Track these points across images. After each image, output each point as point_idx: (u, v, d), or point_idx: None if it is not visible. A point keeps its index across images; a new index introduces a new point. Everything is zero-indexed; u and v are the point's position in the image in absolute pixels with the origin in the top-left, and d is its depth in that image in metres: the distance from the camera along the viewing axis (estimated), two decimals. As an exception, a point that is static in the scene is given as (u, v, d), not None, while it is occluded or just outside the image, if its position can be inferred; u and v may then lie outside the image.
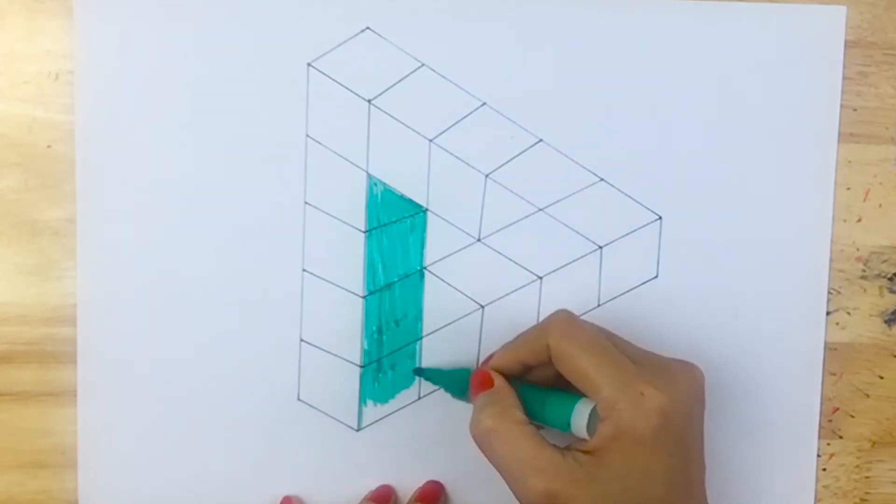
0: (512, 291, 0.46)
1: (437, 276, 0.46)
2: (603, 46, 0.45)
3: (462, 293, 0.46)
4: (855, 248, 0.47)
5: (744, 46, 0.45)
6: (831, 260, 0.46)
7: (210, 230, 0.45)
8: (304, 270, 0.45)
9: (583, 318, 0.46)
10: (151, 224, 0.45)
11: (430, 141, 0.45)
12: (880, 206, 0.47)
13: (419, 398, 0.46)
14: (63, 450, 0.46)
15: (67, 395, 0.45)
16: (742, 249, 0.46)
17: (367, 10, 0.45)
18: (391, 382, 0.46)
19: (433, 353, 0.46)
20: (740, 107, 0.46)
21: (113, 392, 0.45)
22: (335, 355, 0.46)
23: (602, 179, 0.46)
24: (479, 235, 0.46)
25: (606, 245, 0.46)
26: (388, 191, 0.45)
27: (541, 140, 0.46)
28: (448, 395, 0.45)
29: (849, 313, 0.47)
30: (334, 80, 0.45)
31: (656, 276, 0.46)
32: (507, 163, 0.46)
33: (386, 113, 0.45)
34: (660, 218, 0.46)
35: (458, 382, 0.44)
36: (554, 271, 0.46)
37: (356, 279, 0.46)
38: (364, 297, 0.46)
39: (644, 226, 0.46)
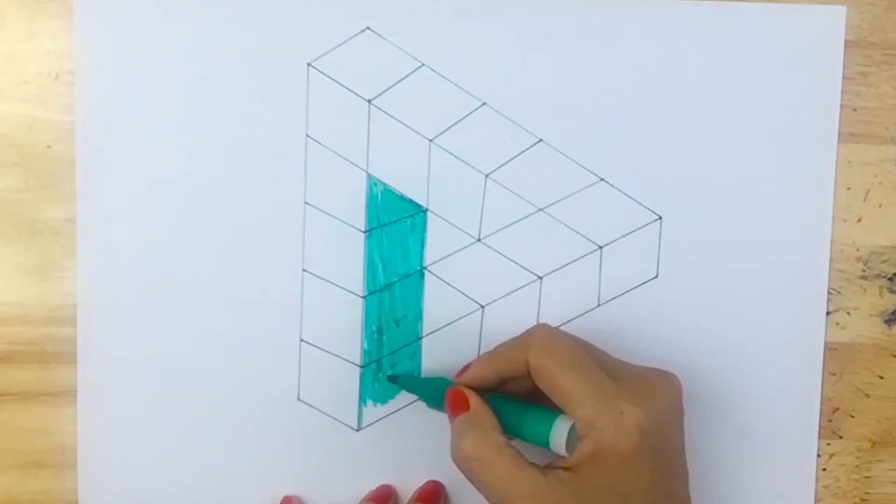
0: (512, 291, 0.46)
1: (437, 276, 0.46)
2: (603, 46, 0.45)
3: (462, 293, 0.46)
4: (855, 248, 0.47)
5: (744, 46, 0.45)
6: (831, 260, 0.46)
7: (210, 230, 0.45)
8: (304, 270, 0.45)
9: (580, 319, 0.46)
10: (151, 224, 0.45)
11: (430, 141, 0.45)
12: (880, 206, 0.47)
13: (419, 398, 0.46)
14: (63, 450, 0.46)
15: (67, 395, 0.45)
16: (742, 249, 0.46)
17: (367, 10, 0.45)
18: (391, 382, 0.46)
19: (433, 353, 0.46)
20: (740, 107, 0.46)
21: (113, 392, 0.45)
22: (335, 355, 0.46)
23: (602, 179, 0.46)
24: (479, 235, 0.46)
25: (606, 245, 0.46)
26: (388, 191, 0.45)
27: (541, 140, 0.46)
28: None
29: (849, 313, 0.47)
30: (334, 80, 0.45)
31: (656, 276, 0.46)
32: (507, 163, 0.46)
33: (386, 113, 0.45)
34: (660, 218, 0.46)
35: (434, 392, 0.43)
36: (554, 271, 0.46)
37: (356, 279, 0.46)
38: (364, 297, 0.46)
39: (644, 226, 0.46)
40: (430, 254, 0.46)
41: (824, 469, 0.47)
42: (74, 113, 0.44)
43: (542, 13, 0.45)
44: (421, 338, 0.46)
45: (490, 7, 0.45)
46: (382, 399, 0.46)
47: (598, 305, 0.46)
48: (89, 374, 0.45)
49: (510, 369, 0.41)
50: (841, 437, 0.47)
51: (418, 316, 0.46)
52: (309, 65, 0.45)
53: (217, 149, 0.45)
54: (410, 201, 0.45)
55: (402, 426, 0.46)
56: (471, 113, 0.45)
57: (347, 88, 0.45)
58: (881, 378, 0.47)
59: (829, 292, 0.47)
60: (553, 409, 0.40)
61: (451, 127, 0.45)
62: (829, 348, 0.47)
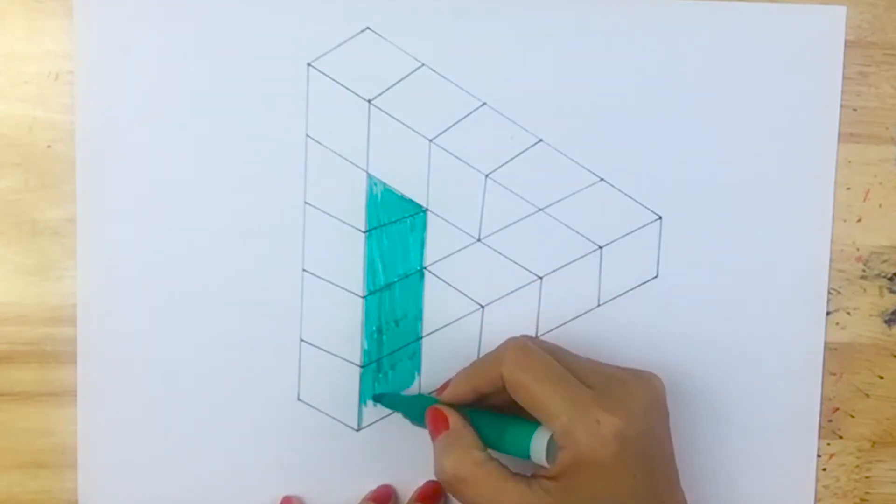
0: (512, 291, 0.46)
1: (437, 276, 0.46)
2: (603, 46, 0.45)
3: (462, 293, 0.46)
4: (855, 248, 0.47)
5: (744, 46, 0.45)
6: (831, 260, 0.46)
7: (210, 230, 0.45)
8: (304, 270, 0.45)
9: (580, 319, 0.46)
10: (151, 224, 0.45)
11: (430, 141, 0.45)
12: (880, 206, 0.47)
13: (419, 398, 0.46)
14: (63, 450, 0.46)
15: (67, 395, 0.45)
16: (742, 249, 0.46)
17: (367, 10, 0.45)
18: (391, 382, 0.46)
19: (433, 353, 0.46)
20: (740, 107, 0.46)
21: (113, 392, 0.45)
22: (335, 355, 0.46)
23: (602, 179, 0.46)
24: (479, 235, 0.46)
25: (606, 245, 0.46)
26: (388, 191, 0.45)
27: (541, 140, 0.46)
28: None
29: (849, 313, 0.47)
30: (334, 80, 0.45)
31: (656, 276, 0.46)
32: (507, 163, 0.46)
33: (386, 113, 0.45)
34: (660, 218, 0.46)
35: (417, 410, 0.44)
36: (554, 271, 0.46)
37: (356, 279, 0.46)
38: (364, 297, 0.46)
39: (644, 226, 0.46)
40: (430, 254, 0.46)
41: (824, 469, 0.47)
42: (74, 113, 0.44)
43: (542, 13, 0.45)
44: (421, 338, 0.46)
45: (490, 7, 0.45)
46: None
47: (598, 305, 0.46)
48: (89, 374, 0.45)
49: (487, 385, 0.42)
50: (841, 437, 0.47)
51: (418, 316, 0.46)
52: (309, 65, 0.45)
53: (217, 149, 0.45)
54: (410, 201, 0.45)
55: (402, 426, 0.46)
56: (471, 113, 0.45)
57: (347, 88, 0.45)
58: (881, 378, 0.47)
59: (829, 292, 0.47)
60: (533, 421, 0.40)
61: (451, 127, 0.45)
62: (829, 348, 0.47)
